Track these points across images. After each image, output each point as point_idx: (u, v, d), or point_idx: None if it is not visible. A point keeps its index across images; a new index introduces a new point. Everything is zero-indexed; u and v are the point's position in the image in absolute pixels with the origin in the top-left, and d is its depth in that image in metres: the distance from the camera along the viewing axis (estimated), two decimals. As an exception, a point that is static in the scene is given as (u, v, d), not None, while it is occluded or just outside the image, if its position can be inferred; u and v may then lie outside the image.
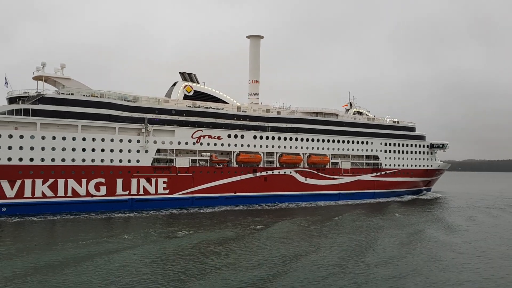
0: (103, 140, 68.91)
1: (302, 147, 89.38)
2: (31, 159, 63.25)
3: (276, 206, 79.76)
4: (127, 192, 70.18)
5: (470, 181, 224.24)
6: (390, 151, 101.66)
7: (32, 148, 63.39)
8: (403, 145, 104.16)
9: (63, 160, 65.45)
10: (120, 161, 70.11)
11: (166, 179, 73.83)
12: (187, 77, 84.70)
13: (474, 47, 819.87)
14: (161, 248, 41.43)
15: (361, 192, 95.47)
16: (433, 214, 73.70)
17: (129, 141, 71.22)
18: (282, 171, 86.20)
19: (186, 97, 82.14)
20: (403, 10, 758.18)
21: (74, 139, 66.56)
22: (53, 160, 64.73)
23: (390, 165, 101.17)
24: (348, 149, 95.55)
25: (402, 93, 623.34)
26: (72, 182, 65.83)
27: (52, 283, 29.75)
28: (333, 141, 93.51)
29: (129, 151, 71.11)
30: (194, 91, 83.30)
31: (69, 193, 65.54)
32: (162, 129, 74.68)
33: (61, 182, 65.01)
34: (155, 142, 73.55)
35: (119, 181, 69.63)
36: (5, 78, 68.58)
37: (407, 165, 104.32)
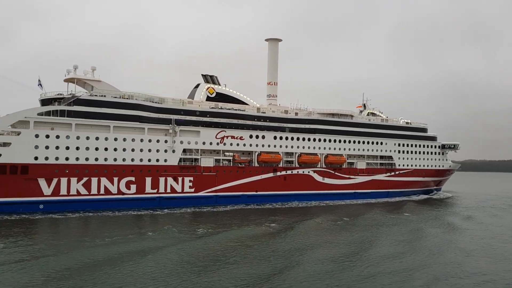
0: (133, 140, 71.47)
1: (319, 148, 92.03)
2: (67, 158, 65.80)
3: (297, 205, 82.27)
4: (155, 190, 72.74)
5: (475, 181, 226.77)
6: (403, 152, 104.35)
7: (67, 148, 65.95)
8: (415, 145, 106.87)
9: (96, 159, 68.01)
10: (149, 160, 72.64)
11: (191, 178, 76.39)
12: (209, 79, 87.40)
13: (473, 48, 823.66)
14: (205, 243, 43.98)
15: (376, 192, 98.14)
16: (463, 213, 76.75)
17: (157, 141, 73.79)
18: (300, 171, 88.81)
19: (208, 99, 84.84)
20: (403, 10, 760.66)
21: (106, 139, 69.12)
22: (87, 159, 67.28)
23: (403, 165, 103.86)
24: (363, 150, 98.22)
25: (402, 93, 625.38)
26: (104, 181, 68.39)
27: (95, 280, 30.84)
28: (349, 141, 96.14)
29: (157, 151, 73.67)
30: (216, 92, 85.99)
31: (102, 191, 68.13)
32: (188, 130, 77.24)
33: (94, 180, 67.59)
34: (181, 142, 76.11)
35: (148, 180, 72.20)
36: (39, 80, 71.11)
37: (420, 165, 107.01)
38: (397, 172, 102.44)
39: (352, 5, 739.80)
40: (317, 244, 44.56)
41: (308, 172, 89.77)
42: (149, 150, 72.88)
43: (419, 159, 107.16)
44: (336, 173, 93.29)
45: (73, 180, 66.05)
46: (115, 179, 69.33)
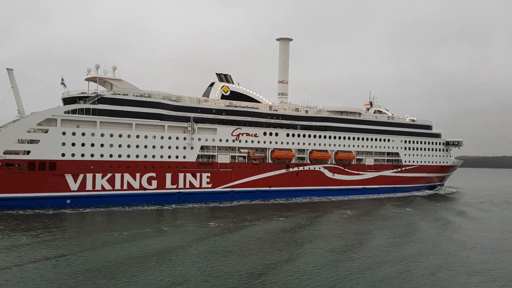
0: (154, 137, 73.75)
1: (330, 144, 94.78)
2: (92, 155, 67.99)
3: (310, 200, 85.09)
4: (175, 186, 75.14)
5: (473, 177, 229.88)
6: (409, 148, 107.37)
7: (92, 145, 68.13)
8: (421, 142, 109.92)
9: (119, 156, 70.26)
10: (169, 157, 74.97)
11: (209, 174, 78.85)
12: (223, 78, 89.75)
13: (464, 46, 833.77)
14: (235, 237, 46.61)
15: (383, 187, 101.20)
16: (475, 206, 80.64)
17: (177, 138, 76.11)
18: (312, 167, 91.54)
19: (223, 97, 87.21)
20: (400, 10, 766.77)
21: (129, 136, 71.35)
22: (111, 156, 69.51)
23: (409, 161, 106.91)
24: (371, 146, 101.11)
25: (395, 90, 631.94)
26: (127, 177, 70.68)
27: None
28: (358, 138, 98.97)
29: (177, 147, 76.02)
30: (231, 91, 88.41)
31: (125, 186, 70.45)
32: (206, 127, 79.60)
33: (118, 176, 69.86)
34: (199, 139, 78.49)
35: (168, 176, 74.56)
36: (62, 79, 73.10)
37: (425, 162, 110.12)
38: (403, 168, 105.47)
39: (348, 5, 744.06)
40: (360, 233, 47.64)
41: (319, 168, 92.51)
42: (169, 147, 75.19)
43: (424, 155, 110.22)
44: (345, 169, 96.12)
45: (98, 176, 68.28)
46: (137, 175, 71.62)
